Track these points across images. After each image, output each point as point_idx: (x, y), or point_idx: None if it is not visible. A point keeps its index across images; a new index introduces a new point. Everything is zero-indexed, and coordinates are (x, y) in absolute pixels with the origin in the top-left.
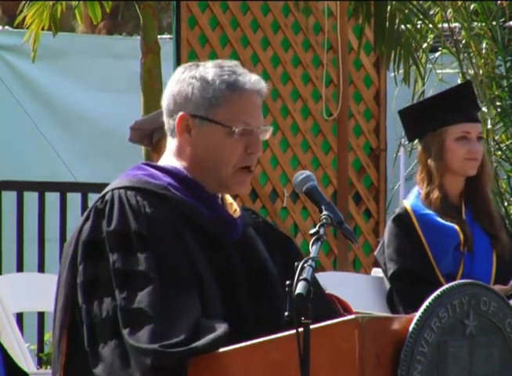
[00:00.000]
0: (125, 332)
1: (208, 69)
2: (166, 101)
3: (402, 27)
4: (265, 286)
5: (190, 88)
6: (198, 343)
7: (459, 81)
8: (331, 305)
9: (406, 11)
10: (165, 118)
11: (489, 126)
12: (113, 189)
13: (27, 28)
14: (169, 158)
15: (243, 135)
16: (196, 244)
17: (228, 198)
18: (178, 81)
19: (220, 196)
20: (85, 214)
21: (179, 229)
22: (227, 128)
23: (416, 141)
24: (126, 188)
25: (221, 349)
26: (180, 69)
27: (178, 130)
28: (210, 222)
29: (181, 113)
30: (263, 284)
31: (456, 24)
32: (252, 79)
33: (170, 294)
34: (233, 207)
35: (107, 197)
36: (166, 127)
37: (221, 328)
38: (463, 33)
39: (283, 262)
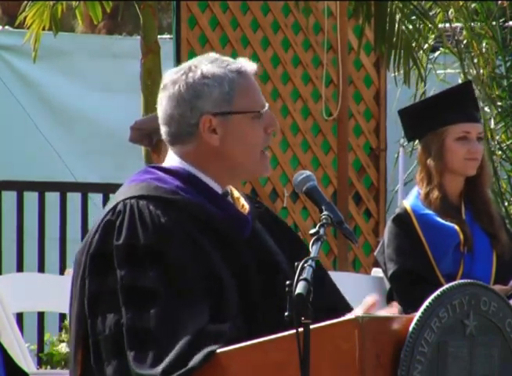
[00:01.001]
0: (130, 355)
1: (208, 66)
2: (178, 110)
3: (403, 27)
4: (277, 283)
5: (206, 88)
6: (193, 363)
7: (460, 81)
8: (338, 292)
9: (407, 11)
10: (176, 127)
11: (492, 126)
12: (124, 200)
13: (28, 28)
14: (175, 159)
15: (263, 117)
16: (212, 249)
17: (235, 193)
18: (187, 86)
19: (229, 193)
20: (97, 223)
21: (193, 233)
22: (253, 113)
23: (417, 142)
24: (137, 197)
25: (221, 349)
26: (177, 78)
27: (204, 132)
28: (221, 222)
29: (204, 117)
30: (275, 281)
31: (458, 24)
32: (246, 61)
33: (178, 310)
34: (240, 202)
35: (119, 207)
36: (174, 135)
37: (223, 338)
38: (464, 33)
39: (289, 250)
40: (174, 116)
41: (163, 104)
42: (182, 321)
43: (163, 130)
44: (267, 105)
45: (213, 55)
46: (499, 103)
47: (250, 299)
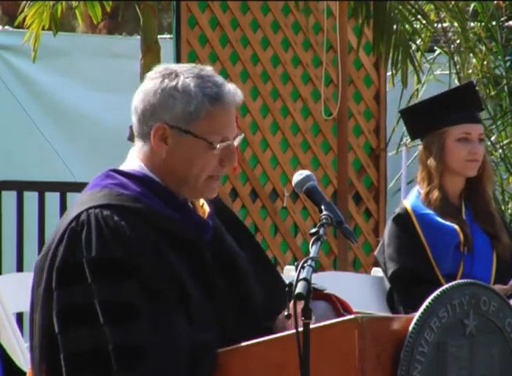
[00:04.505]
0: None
1: (189, 79)
2: (141, 106)
3: (401, 27)
4: (239, 286)
5: (171, 100)
6: None
7: (455, 81)
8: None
9: (400, 7)
10: (137, 121)
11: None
12: (88, 209)
13: (28, 28)
14: (134, 161)
15: (220, 149)
16: (176, 255)
17: None
18: (157, 90)
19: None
20: (59, 234)
21: (158, 243)
22: (206, 142)
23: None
24: (101, 207)
25: (221, 349)
26: (158, 76)
27: (153, 138)
28: (183, 228)
29: (159, 124)
30: (237, 285)
31: (450, 24)
32: (231, 91)
33: (161, 322)
34: (200, 202)
35: (83, 217)
36: (136, 129)
37: (213, 348)
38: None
39: (247, 247)
40: (137, 110)
41: (137, 93)
42: (171, 334)
43: (132, 119)
44: (237, 140)
45: (204, 70)
46: (492, 103)
47: (215, 304)
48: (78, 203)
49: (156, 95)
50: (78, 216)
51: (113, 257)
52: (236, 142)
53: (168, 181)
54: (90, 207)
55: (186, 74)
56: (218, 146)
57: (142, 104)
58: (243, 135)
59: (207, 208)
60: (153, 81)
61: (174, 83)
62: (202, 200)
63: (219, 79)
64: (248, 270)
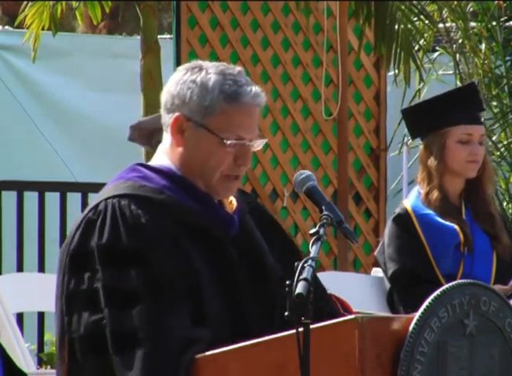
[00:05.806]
0: (116, 360)
1: (210, 75)
2: (164, 97)
3: (402, 26)
4: (265, 283)
5: (189, 92)
6: None
7: (457, 81)
8: (331, 304)
9: (403, 7)
10: (163, 112)
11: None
12: (106, 199)
13: (28, 28)
14: (162, 157)
15: (234, 147)
16: (196, 248)
17: None
18: (179, 82)
19: None
20: (78, 222)
21: (177, 235)
22: (219, 138)
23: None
24: (120, 196)
25: (221, 349)
26: (182, 69)
27: (171, 129)
28: (207, 222)
29: (176, 114)
30: (262, 281)
31: (452, 24)
32: (252, 92)
33: (161, 313)
34: (228, 198)
35: (101, 206)
36: (162, 121)
37: (203, 343)
38: (459, 33)
39: (279, 249)
40: (162, 100)
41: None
42: (165, 324)
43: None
44: (255, 142)
45: (230, 69)
46: (495, 103)
47: (236, 301)
48: (100, 193)
49: (176, 86)
50: (97, 205)
51: (122, 245)
52: (255, 146)
53: (188, 173)
54: (109, 197)
55: (210, 69)
56: (229, 143)
57: (165, 95)
58: (265, 139)
59: (235, 204)
60: (178, 73)
61: (194, 76)
62: (231, 197)
63: (243, 79)
64: (276, 268)
